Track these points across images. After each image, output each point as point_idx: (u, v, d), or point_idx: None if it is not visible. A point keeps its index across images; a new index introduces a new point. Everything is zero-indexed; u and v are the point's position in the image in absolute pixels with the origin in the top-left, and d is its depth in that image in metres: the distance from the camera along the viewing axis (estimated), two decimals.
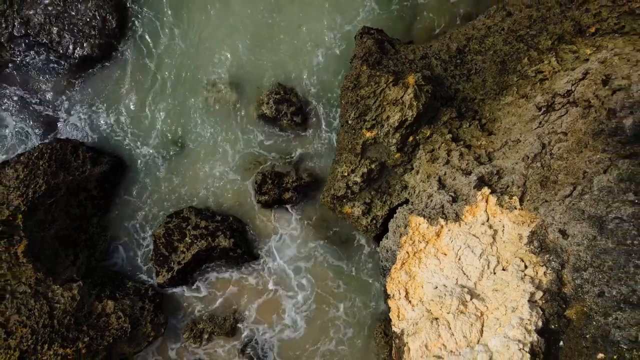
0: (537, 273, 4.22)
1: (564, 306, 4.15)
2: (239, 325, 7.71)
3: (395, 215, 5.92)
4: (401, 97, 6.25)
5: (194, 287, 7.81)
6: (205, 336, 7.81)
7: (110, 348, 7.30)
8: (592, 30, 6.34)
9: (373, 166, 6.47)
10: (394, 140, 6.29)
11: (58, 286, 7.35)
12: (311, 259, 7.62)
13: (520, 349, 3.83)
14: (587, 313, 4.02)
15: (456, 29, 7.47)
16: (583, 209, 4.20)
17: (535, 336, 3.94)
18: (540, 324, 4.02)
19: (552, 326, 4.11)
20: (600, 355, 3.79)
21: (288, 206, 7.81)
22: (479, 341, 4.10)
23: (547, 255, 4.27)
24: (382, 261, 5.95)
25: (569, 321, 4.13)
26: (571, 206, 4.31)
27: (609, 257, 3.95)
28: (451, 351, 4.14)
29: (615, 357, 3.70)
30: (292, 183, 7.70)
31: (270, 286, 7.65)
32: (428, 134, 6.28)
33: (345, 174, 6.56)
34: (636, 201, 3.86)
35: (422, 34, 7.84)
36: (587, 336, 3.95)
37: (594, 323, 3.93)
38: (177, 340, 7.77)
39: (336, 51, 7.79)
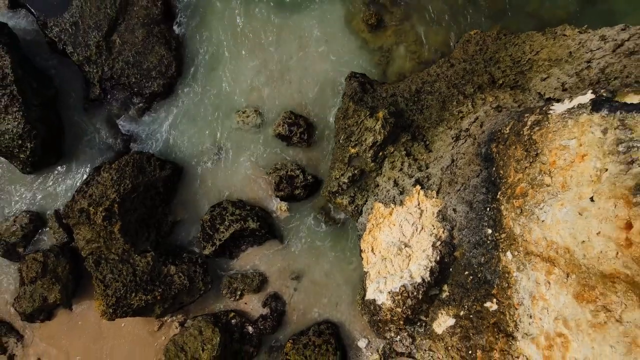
0: (439, 232, 8.61)
1: (453, 250, 8.57)
2: (264, 284, 12.16)
3: (367, 202, 10.37)
4: (374, 126, 10.67)
5: (231, 256, 12.26)
6: (238, 292, 12.27)
7: (175, 297, 11.76)
8: (500, 82, 10.77)
9: (356, 172, 10.89)
10: (369, 155, 10.71)
11: (137, 255, 11.81)
12: (315, 236, 12.07)
13: (424, 269, 8.23)
14: (463, 253, 8.44)
15: (416, 74, 11.89)
16: (464, 197, 8.60)
17: (434, 263, 8.35)
18: (438, 258, 8.43)
19: (446, 260, 8.53)
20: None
21: (297, 199, 12.24)
22: (407, 267, 8.50)
23: (445, 223, 8.68)
24: (358, 231, 10.39)
25: (455, 258, 8.55)
26: (459, 195, 8.72)
27: (473, 222, 8.33)
28: (392, 274, 8.54)
29: (471, 273, 8.12)
30: (300, 183, 12.10)
31: (286, 255, 12.11)
32: (392, 150, 10.71)
33: (337, 177, 10.98)
34: (485, 192, 8.25)
35: (393, 76, 12.25)
36: (462, 264, 8.37)
37: (465, 257, 8.34)
38: (218, 295, 12.23)
39: (333, 89, 12.20)
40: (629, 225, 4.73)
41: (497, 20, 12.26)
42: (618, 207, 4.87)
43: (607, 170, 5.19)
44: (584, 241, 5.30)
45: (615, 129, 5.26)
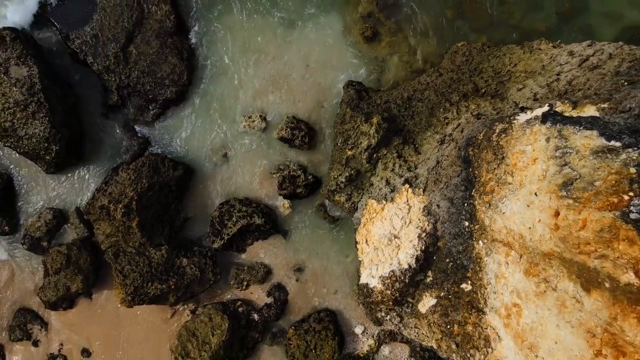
0: (424, 225, 10.18)
1: (436, 240, 10.14)
2: (268, 275, 13.73)
3: (361, 199, 11.94)
4: (368, 131, 12.23)
5: (238, 250, 13.83)
6: (245, 283, 13.84)
7: (187, 286, 13.32)
8: (483, 91, 12.33)
9: (352, 172, 12.45)
10: (365, 157, 12.28)
11: (152, 248, 13.38)
12: (315, 231, 13.63)
13: (411, 257, 9.79)
14: (445, 243, 10.01)
15: (408, 82, 13.46)
16: (446, 194, 10.16)
17: (420, 252, 9.91)
18: (423, 248, 9.99)
19: (430, 249, 10.09)
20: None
21: (299, 197, 13.81)
22: (396, 256, 10.06)
23: (430, 217, 10.24)
24: (354, 225, 11.97)
25: (439, 247, 10.11)
26: (442, 192, 10.29)
27: (453, 216, 9.88)
28: (382, 261, 10.10)
29: (451, 260, 9.67)
30: (302, 182, 13.66)
31: (289, 248, 13.68)
32: (384, 153, 12.28)
33: (336, 177, 12.55)
34: (463, 189, 9.81)
35: (387, 84, 13.82)
36: (444, 252, 9.92)
37: (447, 246, 9.90)
38: (227, 285, 13.80)
39: (332, 96, 13.77)
40: (557, 213, 6.25)
41: (482, 32, 13.82)
42: (552, 199, 6.39)
43: (548, 170, 6.72)
44: (530, 227, 6.82)
45: (555, 137, 6.79)
